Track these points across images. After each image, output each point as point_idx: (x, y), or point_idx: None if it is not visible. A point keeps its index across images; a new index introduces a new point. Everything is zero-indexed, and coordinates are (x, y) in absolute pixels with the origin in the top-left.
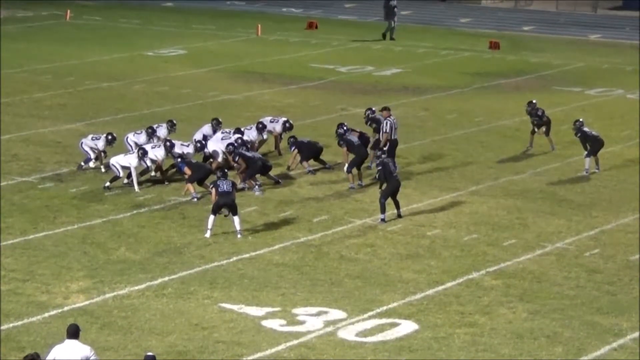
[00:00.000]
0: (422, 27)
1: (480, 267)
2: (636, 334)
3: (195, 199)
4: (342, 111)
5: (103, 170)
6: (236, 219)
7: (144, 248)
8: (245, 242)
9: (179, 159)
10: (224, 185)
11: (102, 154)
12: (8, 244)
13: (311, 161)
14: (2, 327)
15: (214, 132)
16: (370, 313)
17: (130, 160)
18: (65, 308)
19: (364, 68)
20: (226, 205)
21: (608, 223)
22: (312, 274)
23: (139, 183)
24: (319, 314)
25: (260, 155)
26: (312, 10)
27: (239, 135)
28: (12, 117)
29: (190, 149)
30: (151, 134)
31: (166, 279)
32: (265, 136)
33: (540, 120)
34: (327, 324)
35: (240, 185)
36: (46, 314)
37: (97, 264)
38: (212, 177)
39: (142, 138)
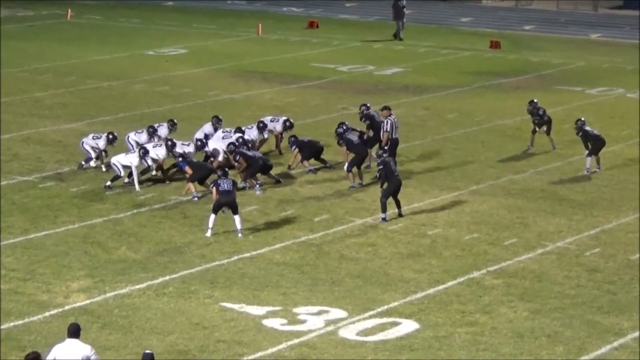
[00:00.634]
0: (422, 26)
1: (481, 267)
2: (637, 333)
3: (196, 199)
4: (343, 110)
5: (104, 169)
6: (237, 218)
7: (145, 247)
8: (246, 242)
9: (180, 158)
10: (225, 184)
11: (103, 153)
12: (9, 243)
13: (312, 160)
14: (3, 327)
15: (215, 129)
16: (371, 312)
17: (131, 159)
18: (66, 307)
19: (364, 67)
20: (227, 204)
21: (609, 222)
22: (313, 273)
23: (140, 182)
24: (319, 313)
25: (261, 155)
26: (312, 9)
27: (240, 135)
28: (13, 117)
29: (191, 148)
30: (152, 133)
31: (167, 278)
32: (266, 135)
33: (541, 119)
34: (328, 323)
35: (241, 184)
36: (47, 313)
37: (98, 263)
38: (213, 177)
39: (143, 137)
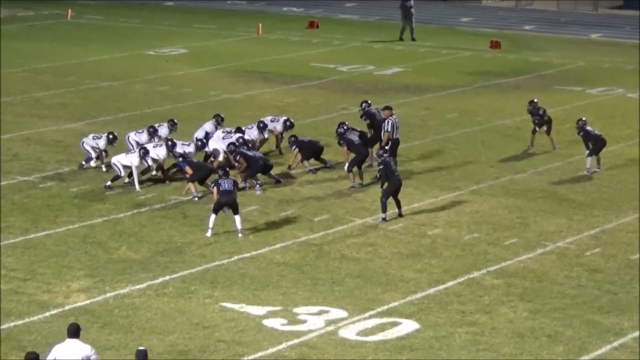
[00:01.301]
0: (423, 26)
1: (481, 267)
2: (637, 333)
3: (196, 199)
4: (343, 110)
5: (104, 169)
6: (237, 218)
7: (145, 247)
8: (246, 241)
9: (180, 158)
10: (226, 184)
11: (103, 153)
12: (9, 243)
13: (312, 160)
14: (3, 327)
15: (216, 128)
16: (371, 312)
17: (131, 159)
18: (66, 307)
19: (364, 67)
20: (227, 204)
21: (609, 222)
22: (313, 273)
23: (140, 182)
24: (320, 313)
25: (261, 155)
26: (313, 9)
27: (240, 135)
28: (13, 117)
29: (191, 148)
30: (152, 133)
31: (167, 278)
32: (266, 135)
33: (541, 119)
34: (328, 323)
35: (241, 184)
36: (47, 313)
37: (98, 263)
38: (214, 177)
39: (143, 137)
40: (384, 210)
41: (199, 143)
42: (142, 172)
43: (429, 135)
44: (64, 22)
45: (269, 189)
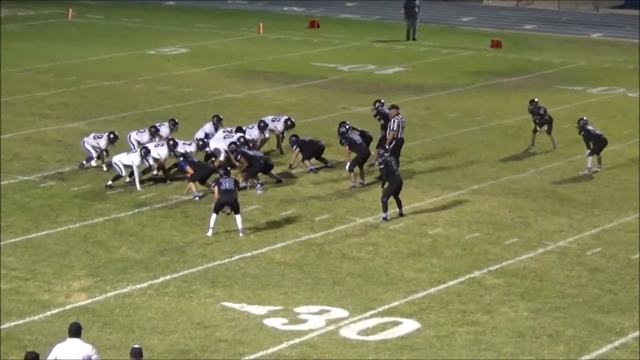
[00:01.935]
0: (423, 25)
1: (482, 266)
2: (638, 333)
3: (197, 198)
4: (344, 110)
5: (105, 169)
6: (238, 217)
7: (146, 247)
8: (247, 241)
9: (181, 158)
10: (226, 184)
11: (104, 152)
12: (10, 242)
13: (313, 160)
14: (4, 326)
15: (216, 129)
16: (372, 312)
17: (132, 158)
18: (67, 307)
19: (365, 67)
20: (228, 203)
21: (610, 222)
22: (314, 272)
23: (141, 182)
24: (320, 312)
25: (262, 154)
26: (313, 9)
27: (241, 134)
28: (14, 116)
29: (192, 148)
30: (154, 132)
31: (168, 277)
32: (267, 135)
33: (542, 118)
34: (329, 322)
35: (242, 184)
36: (48, 313)
37: (99, 262)
38: (215, 176)
39: (144, 137)
40: (385, 209)
41: (200, 143)
42: (143, 172)
43: (429, 134)
44: (64, 22)
45: (270, 188)
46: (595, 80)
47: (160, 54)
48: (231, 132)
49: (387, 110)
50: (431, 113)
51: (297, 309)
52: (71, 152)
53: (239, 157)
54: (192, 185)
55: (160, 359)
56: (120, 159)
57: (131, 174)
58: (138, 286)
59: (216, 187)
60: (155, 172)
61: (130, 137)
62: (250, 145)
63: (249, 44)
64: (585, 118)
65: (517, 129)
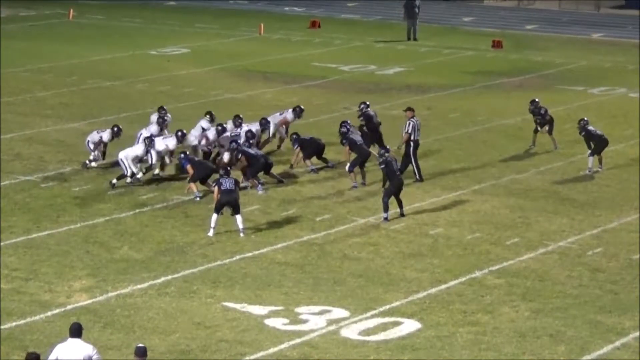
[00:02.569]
0: (424, 26)
1: (483, 266)
2: (638, 333)
3: (198, 198)
4: (345, 110)
5: (103, 160)
6: (239, 217)
7: (147, 247)
8: (248, 241)
9: (182, 155)
10: (227, 184)
11: (104, 146)
12: (11, 242)
13: (314, 159)
14: (5, 326)
15: (211, 124)
16: (373, 312)
17: (136, 150)
18: (68, 307)
19: (366, 67)
20: (229, 203)
21: (611, 222)
22: (315, 272)
23: (146, 181)
24: (321, 312)
25: (263, 153)
26: (314, 9)
27: (249, 129)
28: (15, 116)
29: (173, 140)
30: (162, 123)
31: (169, 277)
32: (271, 134)
33: (543, 119)
34: (330, 322)
35: (242, 183)
36: (49, 313)
37: (100, 262)
38: (215, 176)
39: (153, 128)
40: (386, 210)
41: (180, 134)
42: (146, 170)
43: (430, 135)
44: (66, 22)
45: (271, 188)
46: (596, 80)
47: (161, 54)
48: (237, 129)
49: (371, 112)
50: (432, 113)
51: (298, 309)
52: (72, 153)
53: (239, 155)
54: (193, 186)
55: (161, 359)
56: (126, 155)
57: (132, 175)
58: (139, 286)
59: (216, 187)
60: (157, 171)
61: (140, 135)
62: (252, 143)
63: (250, 44)
64: (585, 119)
65: (518, 129)
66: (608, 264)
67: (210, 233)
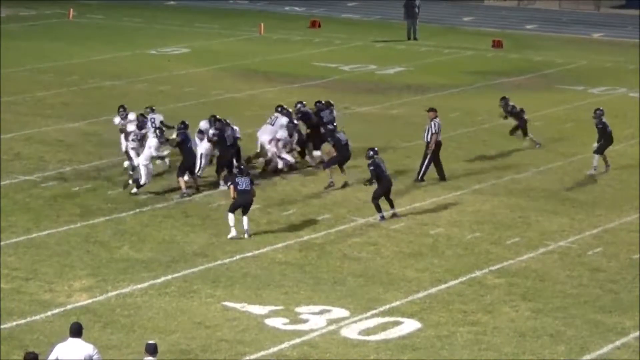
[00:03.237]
0: (425, 25)
1: (483, 266)
2: (638, 333)
3: (186, 196)
4: (346, 110)
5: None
6: (245, 218)
7: (147, 247)
8: (248, 241)
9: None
10: (243, 183)
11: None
12: (11, 242)
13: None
14: (6, 326)
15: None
16: (373, 311)
17: (149, 143)
18: (68, 306)
19: (366, 67)
20: (245, 204)
21: (611, 222)
22: (315, 272)
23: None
24: (322, 312)
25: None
26: (314, 8)
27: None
28: (15, 116)
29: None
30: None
31: (169, 277)
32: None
33: (511, 114)
34: (330, 322)
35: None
36: (49, 313)
37: (100, 262)
38: (208, 174)
39: (157, 118)
40: (379, 210)
41: (140, 118)
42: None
43: None
44: (66, 22)
45: (271, 188)
46: (596, 80)
47: (161, 53)
48: (274, 120)
49: (309, 110)
50: None
51: (298, 309)
52: (72, 152)
53: (330, 140)
54: (182, 182)
55: (161, 359)
56: (146, 157)
57: (138, 186)
58: (139, 286)
59: (232, 187)
60: (186, 177)
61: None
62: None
63: (250, 44)
64: (601, 108)
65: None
66: (608, 263)
67: (233, 233)
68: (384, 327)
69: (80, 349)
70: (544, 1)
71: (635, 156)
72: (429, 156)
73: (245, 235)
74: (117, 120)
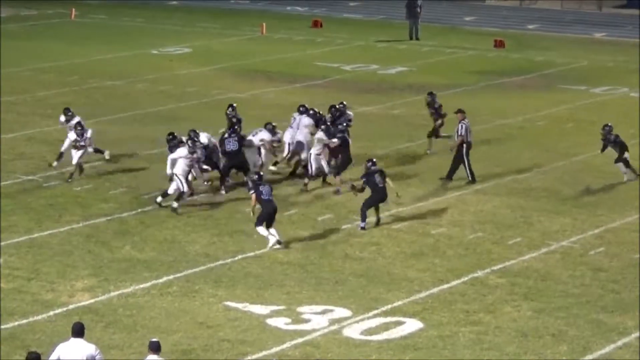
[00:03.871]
0: (426, 25)
1: (485, 266)
2: None
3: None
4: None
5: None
6: (273, 230)
7: (149, 246)
8: (249, 241)
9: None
10: (266, 192)
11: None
12: (13, 242)
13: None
14: (7, 326)
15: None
16: (375, 311)
17: (180, 153)
18: (70, 306)
19: (368, 66)
20: (270, 214)
21: (613, 221)
22: (317, 272)
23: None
24: (323, 312)
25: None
26: (316, 8)
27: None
28: (16, 116)
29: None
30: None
31: (171, 277)
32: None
33: (437, 112)
34: (332, 322)
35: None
36: (51, 313)
37: (102, 262)
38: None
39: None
40: (364, 219)
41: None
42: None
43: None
44: (67, 22)
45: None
46: (598, 80)
47: (163, 53)
48: (299, 117)
49: (239, 116)
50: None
51: (300, 309)
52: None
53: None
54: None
55: (163, 359)
56: (180, 166)
57: (164, 195)
58: (141, 286)
59: (254, 195)
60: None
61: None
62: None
63: (252, 44)
64: (610, 124)
65: (520, 128)
66: (610, 263)
67: (271, 243)
68: (386, 327)
69: (82, 349)
70: (546, 1)
71: (636, 156)
72: (464, 158)
73: (277, 246)
74: (62, 118)
